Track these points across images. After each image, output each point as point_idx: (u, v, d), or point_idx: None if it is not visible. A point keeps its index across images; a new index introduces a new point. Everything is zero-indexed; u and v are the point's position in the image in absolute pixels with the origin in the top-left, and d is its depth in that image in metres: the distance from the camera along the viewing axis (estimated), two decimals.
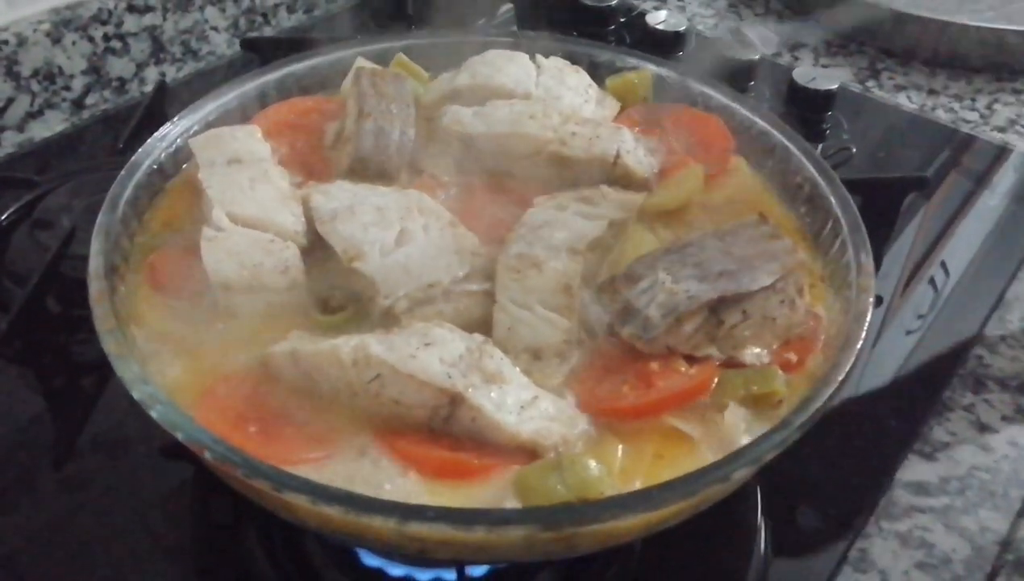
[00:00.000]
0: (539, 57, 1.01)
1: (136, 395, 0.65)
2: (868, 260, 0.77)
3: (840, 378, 0.68)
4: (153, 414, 0.64)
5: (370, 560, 0.76)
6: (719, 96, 0.98)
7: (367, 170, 0.88)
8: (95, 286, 0.72)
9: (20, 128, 1.22)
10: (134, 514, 0.80)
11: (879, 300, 1.01)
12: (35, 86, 1.21)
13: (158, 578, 0.77)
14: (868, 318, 0.72)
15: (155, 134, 0.88)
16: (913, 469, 0.89)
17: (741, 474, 0.62)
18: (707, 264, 0.74)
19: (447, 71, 1.02)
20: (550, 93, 0.97)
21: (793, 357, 0.75)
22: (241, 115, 0.95)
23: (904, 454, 0.89)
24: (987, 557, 0.81)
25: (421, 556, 0.65)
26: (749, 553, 0.81)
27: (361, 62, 0.99)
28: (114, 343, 0.68)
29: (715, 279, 0.73)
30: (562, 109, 0.94)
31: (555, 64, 1.01)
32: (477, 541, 0.60)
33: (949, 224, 1.17)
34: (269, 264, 0.75)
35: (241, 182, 0.81)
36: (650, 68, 1.02)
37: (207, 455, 0.62)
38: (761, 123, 0.94)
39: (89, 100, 1.27)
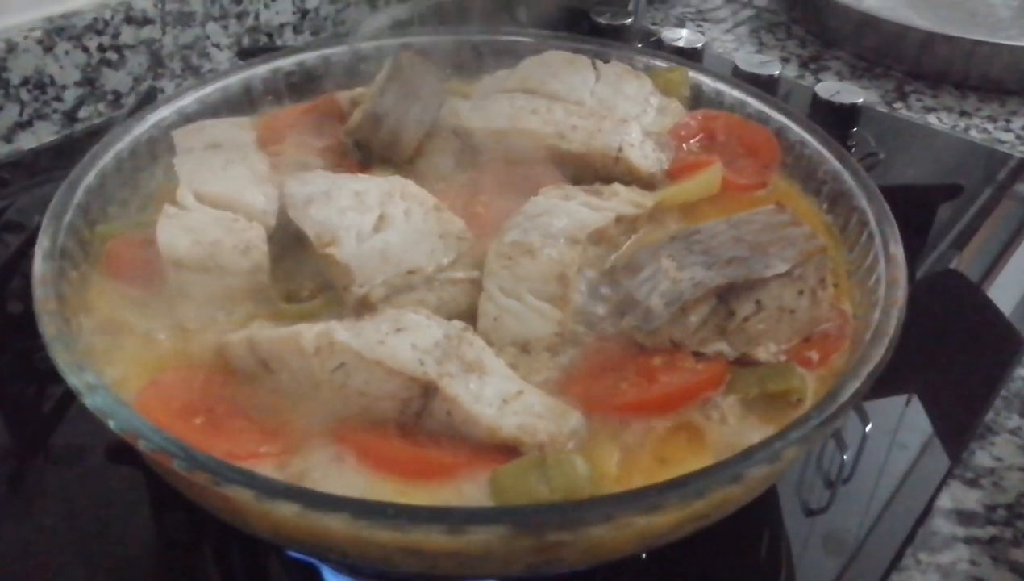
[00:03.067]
0: (599, 63, 0.95)
1: (70, 381, 0.58)
2: (898, 250, 0.69)
3: (869, 372, 0.59)
4: (86, 402, 0.57)
5: (335, 580, 0.68)
6: (732, 90, 0.91)
7: (378, 130, 0.83)
8: (39, 268, 0.66)
9: (8, 138, 1.17)
10: (85, 530, 0.72)
11: None
12: (24, 95, 1.17)
13: None
14: (900, 310, 0.64)
15: (126, 122, 0.83)
16: (954, 496, 0.79)
17: (756, 473, 0.53)
18: (716, 251, 0.67)
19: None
20: (604, 104, 0.91)
21: (815, 355, 0.66)
22: (225, 108, 0.89)
23: (944, 480, 0.80)
24: None
25: (386, 569, 0.57)
26: None
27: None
28: (52, 325, 0.62)
29: (724, 266, 0.65)
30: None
31: (615, 70, 0.95)
32: (444, 547, 0.52)
33: (1006, 247, 1.08)
34: (229, 243, 0.68)
35: (214, 164, 0.75)
36: (660, 64, 0.97)
37: (141, 445, 0.54)
38: (777, 117, 0.87)
39: (82, 113, 1.23)
